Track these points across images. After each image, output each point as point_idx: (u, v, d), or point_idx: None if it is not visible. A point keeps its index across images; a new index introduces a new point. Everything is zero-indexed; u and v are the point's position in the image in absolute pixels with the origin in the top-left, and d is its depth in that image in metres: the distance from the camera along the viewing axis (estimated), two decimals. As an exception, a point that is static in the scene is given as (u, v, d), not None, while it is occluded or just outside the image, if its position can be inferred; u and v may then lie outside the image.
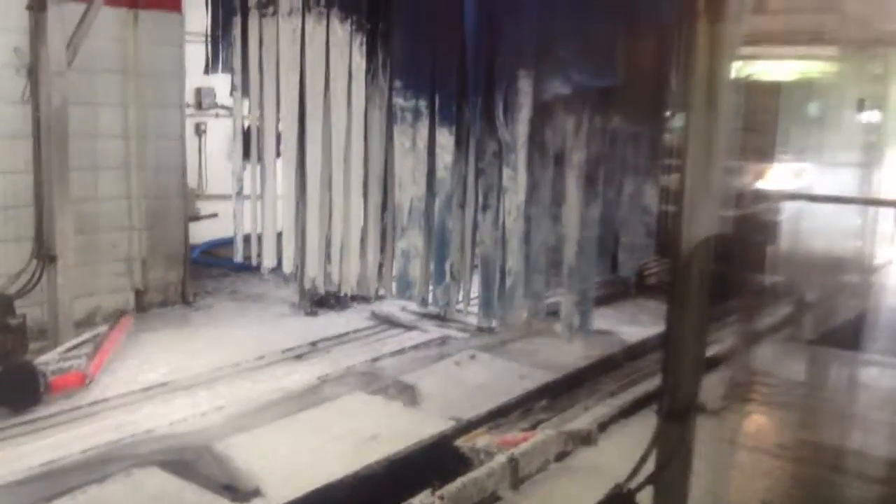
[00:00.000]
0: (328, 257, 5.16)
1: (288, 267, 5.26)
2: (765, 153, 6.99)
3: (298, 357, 6.02)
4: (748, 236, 5.54)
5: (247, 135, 5.40)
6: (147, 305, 6.84)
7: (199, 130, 9.34)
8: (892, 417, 5.10)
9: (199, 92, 9.07)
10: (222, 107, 9.14)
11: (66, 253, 5.44)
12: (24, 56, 5.42)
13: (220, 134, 9.23)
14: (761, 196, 6.52)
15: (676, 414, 3.33)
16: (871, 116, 9.39)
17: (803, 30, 6.69)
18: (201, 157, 9.33)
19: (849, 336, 6.87)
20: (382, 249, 5.09)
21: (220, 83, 7.42)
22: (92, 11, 5.40)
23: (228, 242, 8.47)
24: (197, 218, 8.59)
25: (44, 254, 5.43)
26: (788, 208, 7.19)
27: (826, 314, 7.09)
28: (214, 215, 8.86)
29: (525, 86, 4.21)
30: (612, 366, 5.91)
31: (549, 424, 4.73)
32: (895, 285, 8.91)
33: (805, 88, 7.84)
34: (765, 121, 6.67)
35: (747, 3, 3.48)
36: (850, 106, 8.85)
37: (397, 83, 4.61)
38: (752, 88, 4.43)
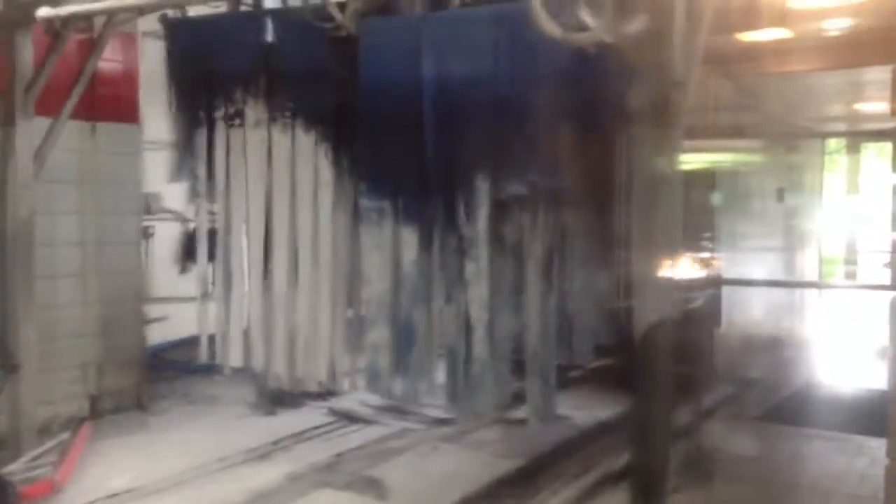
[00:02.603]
0: (295, 355, 5.28)
1: (256, 366, 5.35)
2: (703, 242, 7.45)
3: (262, 457, 6.03)
4: (694, 321, 5.88)
5: (191, 238, 5.54)
6: (103, 411, 6.77)
7: (147, 234, 9.41)
8: (838, 487, 5.39)
9: (146, 197, 9.20)
10: (169, 211, 9.27)
11: (29, 362, 5.43)
12: (-10, 171, 5.53)
13: (166, 238, 9.32)
14: (702, 282, 6.92)
15: (647, 490, 3.53)
16: (790, 203, 10.08)
17: (727, 126, 7.26)
18: (148, 260, 9.39)
19: (790, 411, 7.23)
20: (351, 347, 5.24)
21: (167, 189, 7.63)
22: (58, 125, 5.57)
23: (179, 345, 8.56)
24: (146, 321, 8.59)
25: (7, 363, 5.41)
26: (727, 293, 7.62)
27: (767, 391, 7.46)
28: (164, 318, 8.86)
29: (483, 187, 4.52)
30: (572, 449, 6.09)
31: (518, 510, 4.86)
32: (825, 360, 9.40)
33: (734, 179, 8.42)
34: (701, 211, 7.16)
35: (682, 110, 3.86)
36: (773, 194, 9.51)
37: (362, 186, 4.87)
38: (688, 182, 4.81)
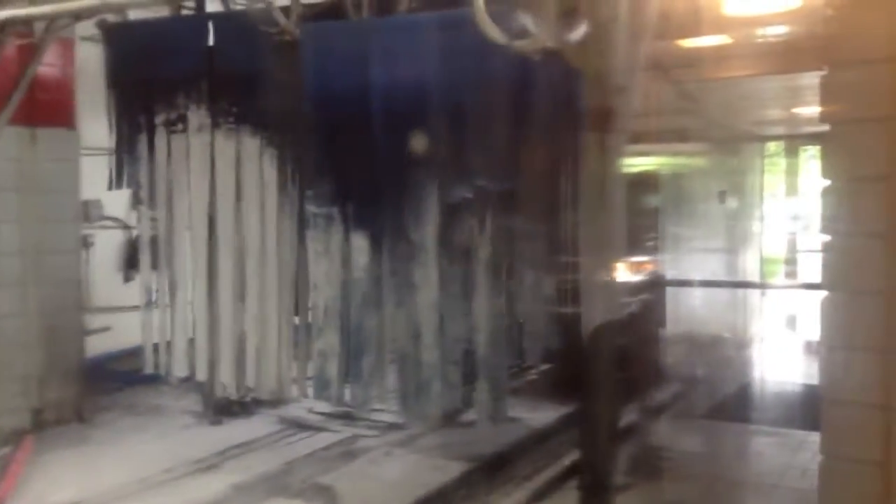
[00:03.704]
0: (242, 363, 5.23)
1: (200, 375, 5.28)
2: (647, 244, 7.58)
3: (209, 467, 5.92)
4: (639, 321, 5.98)
5: (134, 246, 5.45)
6: (44, 424, 6.59)
7: (86, 243, 9.19)
8: (781, 482, 5.53)
9: (85, 205, 8.99)
10: (109, 219, 9.07)
11: (-34, 375, 5.27)
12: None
13: (107, 246, 9.12)
14: (646, 283, 7.04)
15: (596, 489, 3.58)
16: (731, 205, 10.32)
17: (671, 129, 7.41)
18: (89, 269, 9.17)
19: (733, 408, 7.39)
20: (298, 353, 5.20)
21: (107, 196, 7.48)
22: (-3, 131, 5.43)
23: (122, 355, 8.38)
24: (87, 332, 8.40)
25: (-58, 377, 5.24)
26: (671, 293, 7.76)
27: (711, 389, 7.61)
28: (107, 329, 8.67)
29: (431, 191, 4.54)
30: (523, 451, 6.13)
31: (471, 513, 4.87)
32: (766, 358, 9.63)
33: (677, 182, 8.59)
34: (645, 214, 7.28)
35: (628, 114, 3.93)
36: (715, 196, 9.72)
37: (309, 192, 4.85)
38: (632, 185, 4.91)
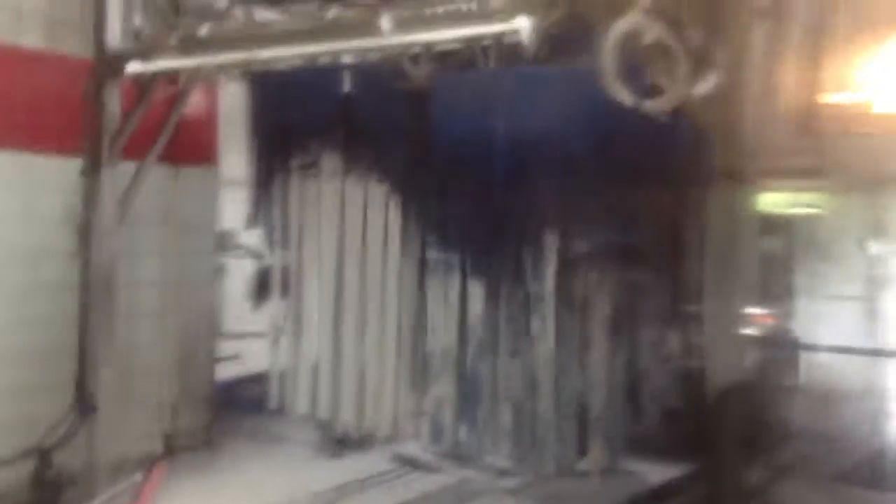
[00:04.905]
0: (362, 401, 5.34)
1: (322, 411, 5.43)
2: (779, 295, 7.25)
3: (328, 502, 6.06)
4: (769, 377, 5.73)
5: (264, 276, 5.67)
6: (176, 450, 6.90)
7: (220, 271, 9.59)
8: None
9: (220, 234, 9.39)
10: (242, 248, 9.44)
11: (106, 402, 5.60)
12: (77, 215, 5.76)
13: (239, 274, 9.48)
14: (777, 337, 6.73)
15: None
16: (874, 250, 9.71)
17: (804, 171, 7.05)
18: (220, 297, 9.56)
19: (866, 473, 6.92)
20: (415, 394, 5.27)
21: (239, 225, 7.81)
22: (144, 171, 5.79)
23: (248, 381, 8.68)
24: (218, 359, 8.75)
25: (85, 403, 5.59)
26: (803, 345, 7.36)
27: (843, 451, 7.16)
28: (236, 356, 9.01)
29: (551, 243, 4.53)
30: (639, 507, 5.95)
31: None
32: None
33: (812, 227, 8.19)
34: (777, 262, 6.97)
35: (757, 165, 3.81)
36: (854, 241, 9.18)
37: (430, 238, 4.94)
38: (764, 231, 4.72)
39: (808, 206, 7.88)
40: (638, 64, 3.65)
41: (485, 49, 4.53)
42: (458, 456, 6.68)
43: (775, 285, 7.35)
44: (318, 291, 5.50)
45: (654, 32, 3.55)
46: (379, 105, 5.02)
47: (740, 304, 3.79)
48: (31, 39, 5.81)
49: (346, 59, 5.24)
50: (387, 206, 5.10)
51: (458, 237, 4.83)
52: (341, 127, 5.22)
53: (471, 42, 4.43)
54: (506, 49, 4.37)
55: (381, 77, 4.89)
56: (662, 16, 3.56)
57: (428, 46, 4.54)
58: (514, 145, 4.57)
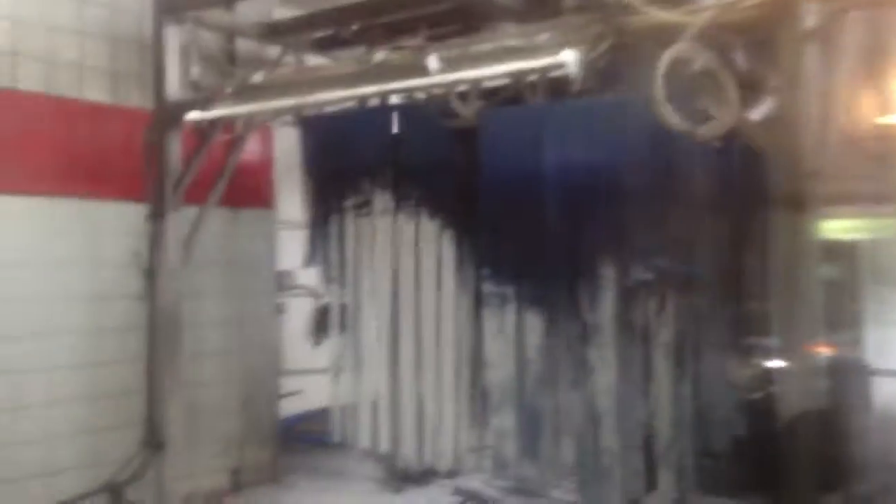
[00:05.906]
0: (422, 435, 5.34)
1: (383, 446, 5.44)
2: (845, 322, 7.02)
3: (392, 536, 6.07)
4: (841, 407, 5.54)
5: (323, 314, 5.74)
6: (242, 485, 7.02)
7: (280, 310, 9.76)
8: None
9: (279, 275, 9.57)
10: (301, 287, 9.60)
11: (175, 439, 5.73)
12: (142, 258, 5.95)
13: (298, 314, 9.64)
14: (847, 365, 6.51)
15: None
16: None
17: (866, 193, 6.84)
18: (281, 335, 9.72)
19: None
20: (475, 427, 5.24)
21: (298, 265, 7.94)
22: (205, 214, 5.96)
23: (309, 417, 8.77)
24: (281, 396, 8.88)
25: (154, 440, 5.73)
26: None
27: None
28: (299, 392, 9.13)
29: (607, 273, 4.48)
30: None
31: None
32: None
33: (875, 251, 7.94)
34: (844, 288, 6.76)
35: (819, 190, 3.71)
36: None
37: (485, 271, 4.93)
38: (828, 257, 4.56)
39: (873, 231, 7.63)
40: (688, 91, 3.62)
41: (532, 84, 4.54)
42: (523, 490, 6.62)
43: (842, 312, 7.12)
44: (375, 327, 5.53)
45: (702, 60, 3.53)
46: (428, 143, 5.07)
47: (808, 331, 3.69)
48: (94, 93, 6.06)
49: (395, 100, 5.33)
50: (440, 241, 5.11)
51: (512, 270, 4.81)
52: (391, 166, 5.27)
53: (518, 77, 4.47)
54: (553, 83, 4.38)
55: (429, 116, 4.94)
56: (710, 43, 3.54)
57: (475, 83, 4.60)
58: (564, 176, 4.55)
